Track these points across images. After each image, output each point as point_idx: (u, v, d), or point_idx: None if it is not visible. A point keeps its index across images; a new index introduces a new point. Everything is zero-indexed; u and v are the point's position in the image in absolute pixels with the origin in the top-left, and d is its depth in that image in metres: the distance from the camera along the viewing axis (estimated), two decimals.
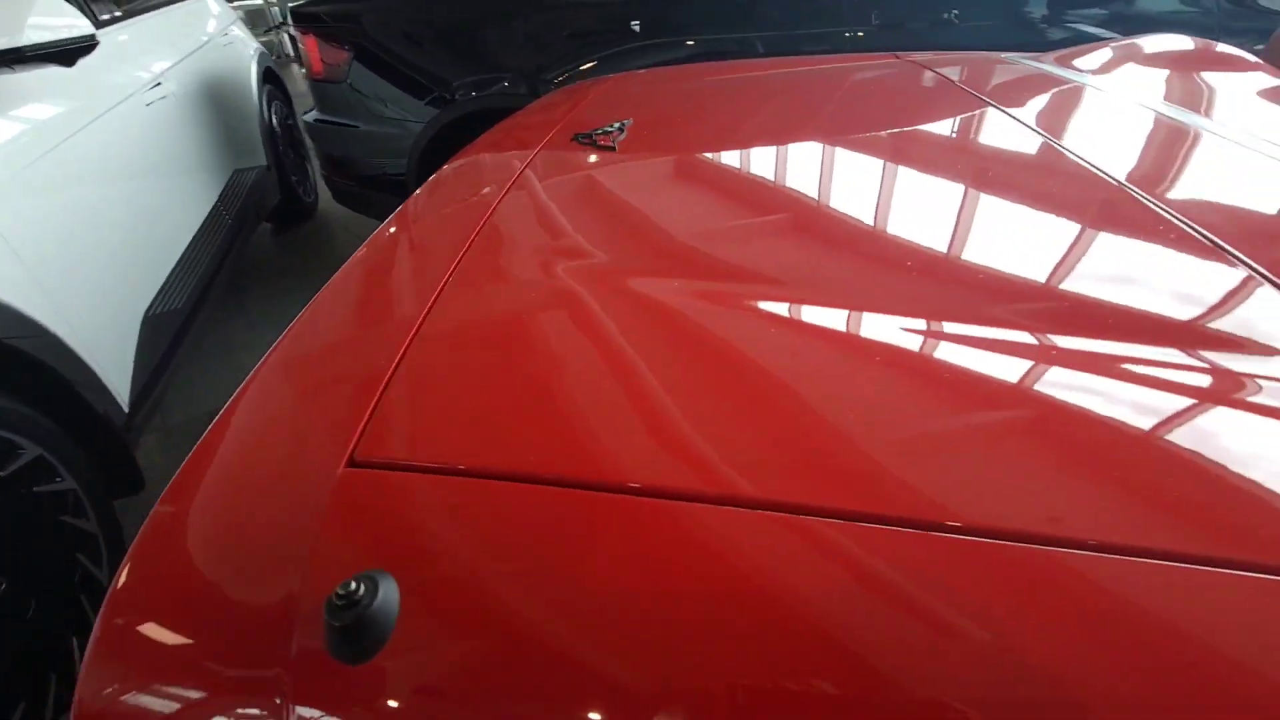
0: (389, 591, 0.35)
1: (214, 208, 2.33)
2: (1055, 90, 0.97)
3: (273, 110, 3.23)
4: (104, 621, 0.38)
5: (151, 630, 0.38)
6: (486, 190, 0.84)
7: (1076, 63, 1.20)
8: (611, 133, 1.04)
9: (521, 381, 0.51)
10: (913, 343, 0.49)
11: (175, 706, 0.35)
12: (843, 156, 0.79)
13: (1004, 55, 1.32)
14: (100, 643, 0.38)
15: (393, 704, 0.34)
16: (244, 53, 3.16)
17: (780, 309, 0.55)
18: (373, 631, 0.34)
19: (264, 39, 5.71)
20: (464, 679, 0.34)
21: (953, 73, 1.12)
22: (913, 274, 0.58)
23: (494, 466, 0.43)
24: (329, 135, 2.56)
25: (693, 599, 0.34)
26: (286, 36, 7.23)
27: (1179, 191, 0.67)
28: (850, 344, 0.51)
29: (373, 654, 0.34)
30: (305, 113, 2.62)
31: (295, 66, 6.71)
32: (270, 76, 3.37)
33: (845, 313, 0.52)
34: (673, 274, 0.62)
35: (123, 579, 0.41)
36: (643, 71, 1.53)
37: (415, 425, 0.47)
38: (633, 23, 2.11)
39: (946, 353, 0.49)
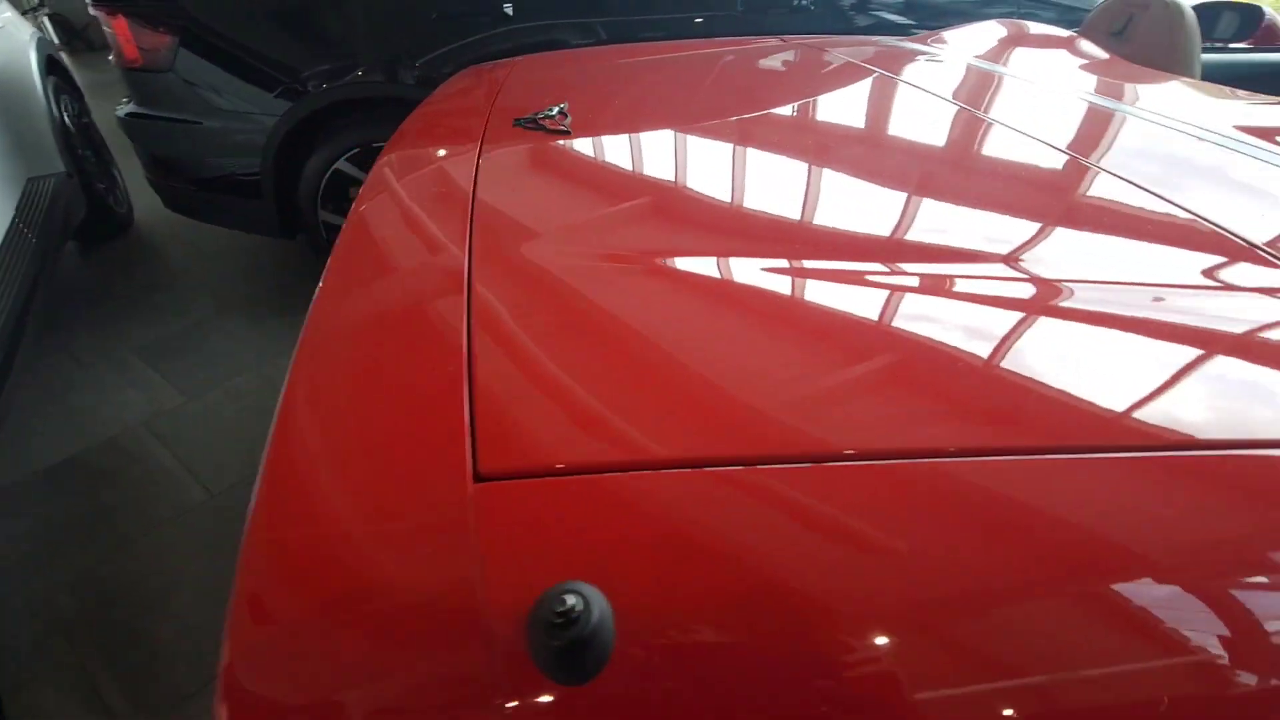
0: (601, 603, 0.33)
1: (12, 224, 1.93)
2: (937, 63, 1.20)
3: (63, 106, 2.72)
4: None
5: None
6: (454, 181, 0.78)
7: (948, 42, 1.39)
8: (554, 116, 1.01)
9: (601, 369, 0.49)
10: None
11: None
12: (761, 128, 0.92)
13: (888, 39, 1.49)
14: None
15: None
16: (18, 38, 2.62)
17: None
18: (597, 648, 0.32)
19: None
20: (694, 687, 0.33)
21: (850, 53, 1.28)
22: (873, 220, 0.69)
23: (628, 459, 0.41)
24: (155, 133, 2.20)
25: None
26: (47, 20, 6.08)
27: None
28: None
29: (596, 673, 0.32)
30: (120, 105, 2.24)
31: (64, 55, 5.68)
32: (54, 66, 2.84)
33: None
34: (712, 249, 0.63)
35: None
36: (549, 54, 1.49)
37: (524, 429, 0.44)
38: (505, 6, 2.05)
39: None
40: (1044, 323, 0.52)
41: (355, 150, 2.10)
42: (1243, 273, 0.58)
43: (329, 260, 0.68)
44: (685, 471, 0.40)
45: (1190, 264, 0.59)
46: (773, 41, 1.49)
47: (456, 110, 1.10)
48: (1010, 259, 0.60)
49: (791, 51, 1.34)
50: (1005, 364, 0.48)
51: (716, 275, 0.59)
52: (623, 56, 1.43)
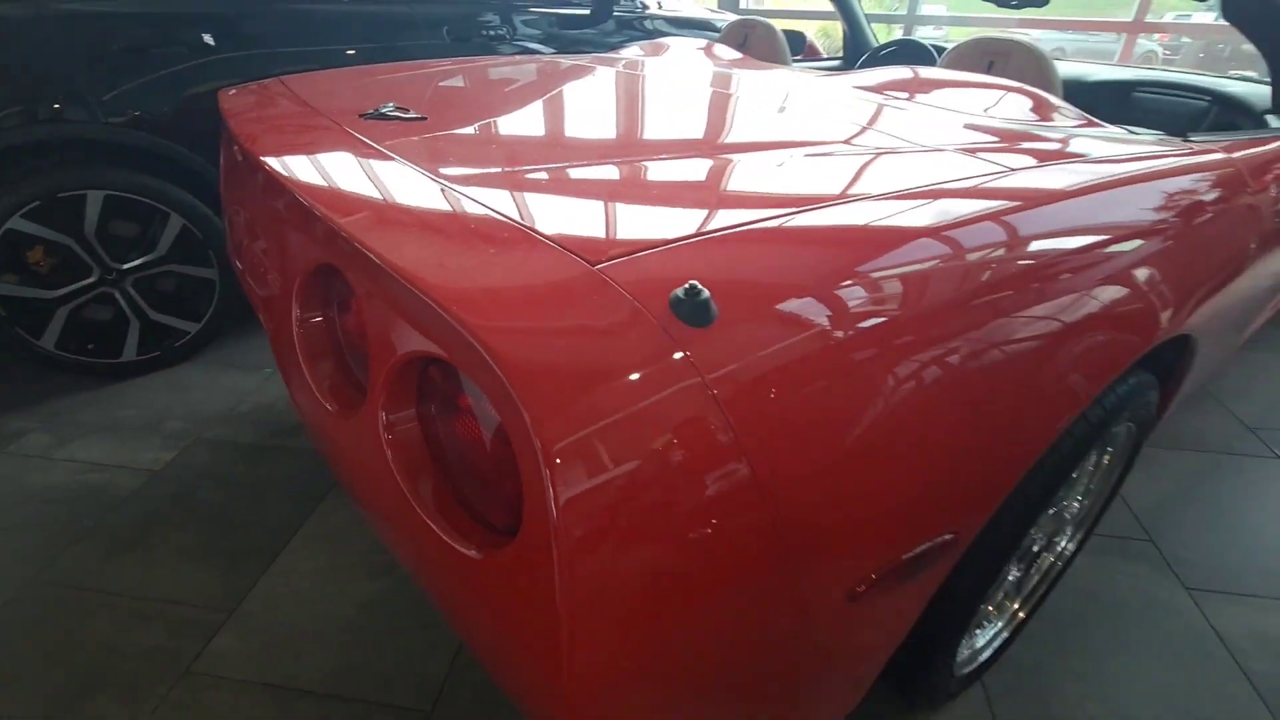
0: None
1: None
2: (589, 72, 1.49)
3: None
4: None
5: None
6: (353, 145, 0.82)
7: (636, 56, 1.81)
8: (395, 111, 1.02)
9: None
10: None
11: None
12: (533, 110, 1.14)
13: (594, 55, 1.86)
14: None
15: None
16: None
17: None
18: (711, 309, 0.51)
19: None
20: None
21: (576, 61, 1.63)
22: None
23: None
24: None
25: None
26: None
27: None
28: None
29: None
30: None
31: None
32: None
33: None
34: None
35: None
36: (317, 73, 1.44)
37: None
38: (205, 36, 1.86)
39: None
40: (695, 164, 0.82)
41: (34, 204, 1.69)
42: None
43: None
44: None
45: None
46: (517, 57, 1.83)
47: (283, 115, 1.06)
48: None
49: (536, 63, 1.64)
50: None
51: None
52: (393, 72, 1.46)
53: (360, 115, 1.00)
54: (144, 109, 1.76)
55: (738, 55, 1.85)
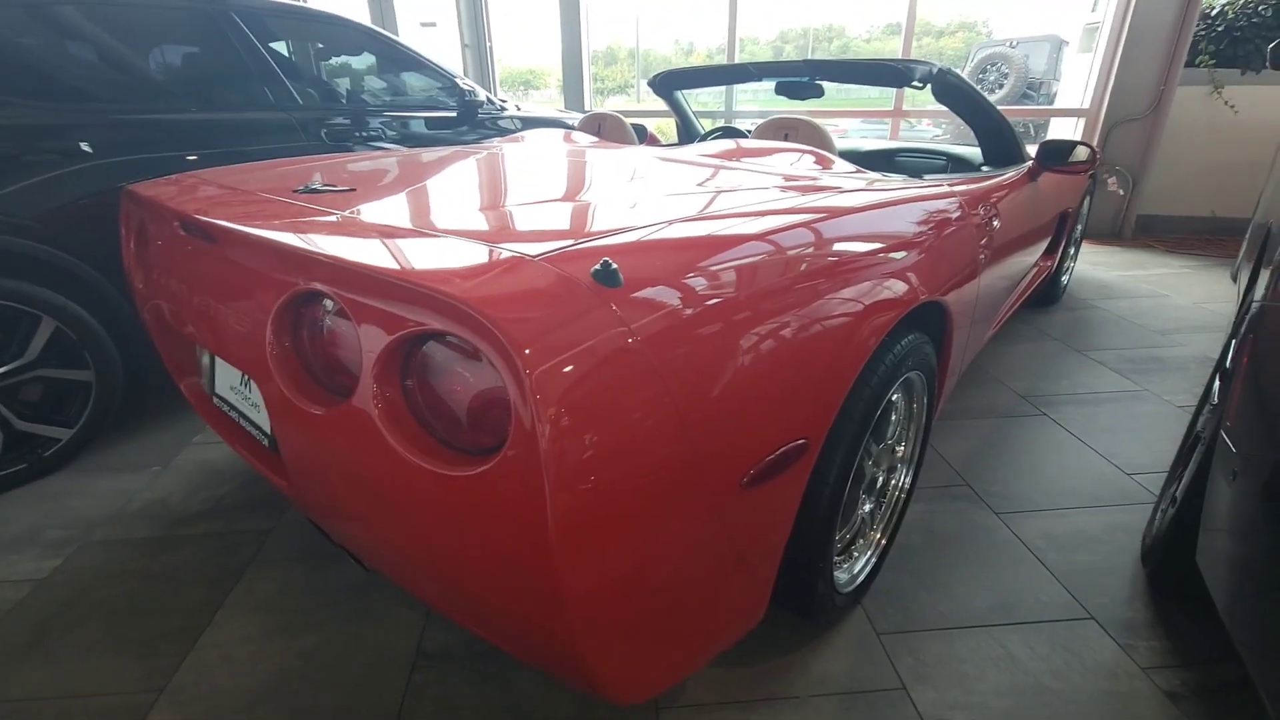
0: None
1: None
2: (482, 152, 1.81)
3: None
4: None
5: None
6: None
7: (500, 145, 2.11)
8: (322, 185, 1.24)
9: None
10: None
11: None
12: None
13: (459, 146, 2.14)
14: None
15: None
16: None
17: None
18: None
19: None
20: None
21: (455, 150, 1.91)
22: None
23: None
24: None
25: None
26: None
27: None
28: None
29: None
30: None
31: None
32: None
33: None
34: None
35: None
36: (227, 167, 1.61)
37: None
38: (81, 143, 1.89)
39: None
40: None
41: None
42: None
43: None
44: None
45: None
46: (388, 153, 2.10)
47: (222, 195, 1.23)
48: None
49: (422, 152, 1.89)
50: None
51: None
52: (296, 164, 1.67)
53: (294, 190, 1.17)
54: (18, 219, 1.76)
55: (595, 139, 2.22)
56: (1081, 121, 4.68)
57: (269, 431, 1.09)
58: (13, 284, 1.75)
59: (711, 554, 0.85)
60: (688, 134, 3.14)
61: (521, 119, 3.35)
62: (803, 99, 2.52)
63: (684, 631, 0.88)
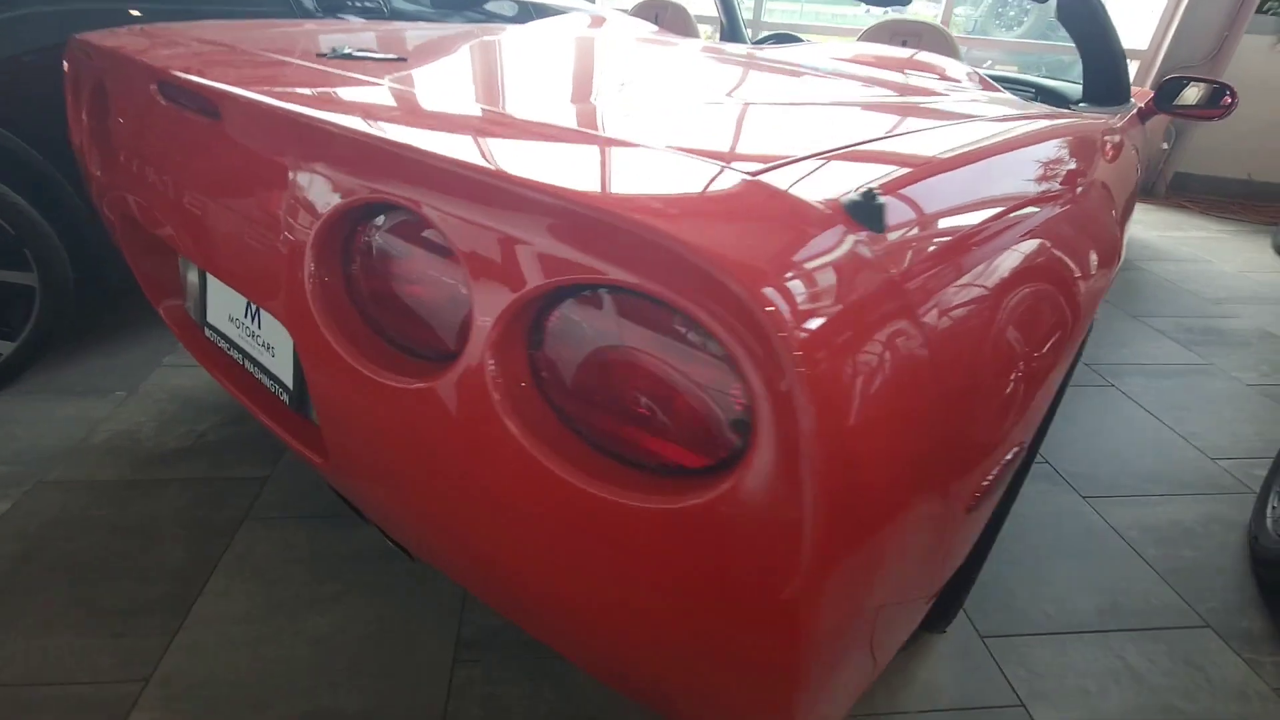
0: None
1: None
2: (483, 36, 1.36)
3: None
4: None
5: None
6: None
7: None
8: (358, 51, 0.92)
9: None
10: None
11: None
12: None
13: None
14: None
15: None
16: None
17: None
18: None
19: None
20: None
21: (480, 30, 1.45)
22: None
23: None
24: None
25: None
26: None
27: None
28: None
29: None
30: None
31: None
32: None
33: None
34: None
35: None
36: (199, 25, 1.18)
37: None
38: None
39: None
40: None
41: None
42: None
43: None
44: None
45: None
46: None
47: (218, 53, 0.88)
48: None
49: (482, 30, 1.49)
50: None
51: None
52: (295, 25, 1.32)
53: (320, 55, 0.85)
54: None
55: (655, 28, 1.83)
56: (1136, 65, 4.36)
57: (290, 386, 0.82)
58: None
59: (926, 579, 0.64)
60: (732, 39, 2.76)
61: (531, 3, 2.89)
62: (883, 5, 2.18)
63: (868, 668, 0.68)
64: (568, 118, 0.64)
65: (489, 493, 0.54)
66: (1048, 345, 0.66)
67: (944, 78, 1.23)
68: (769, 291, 0.39)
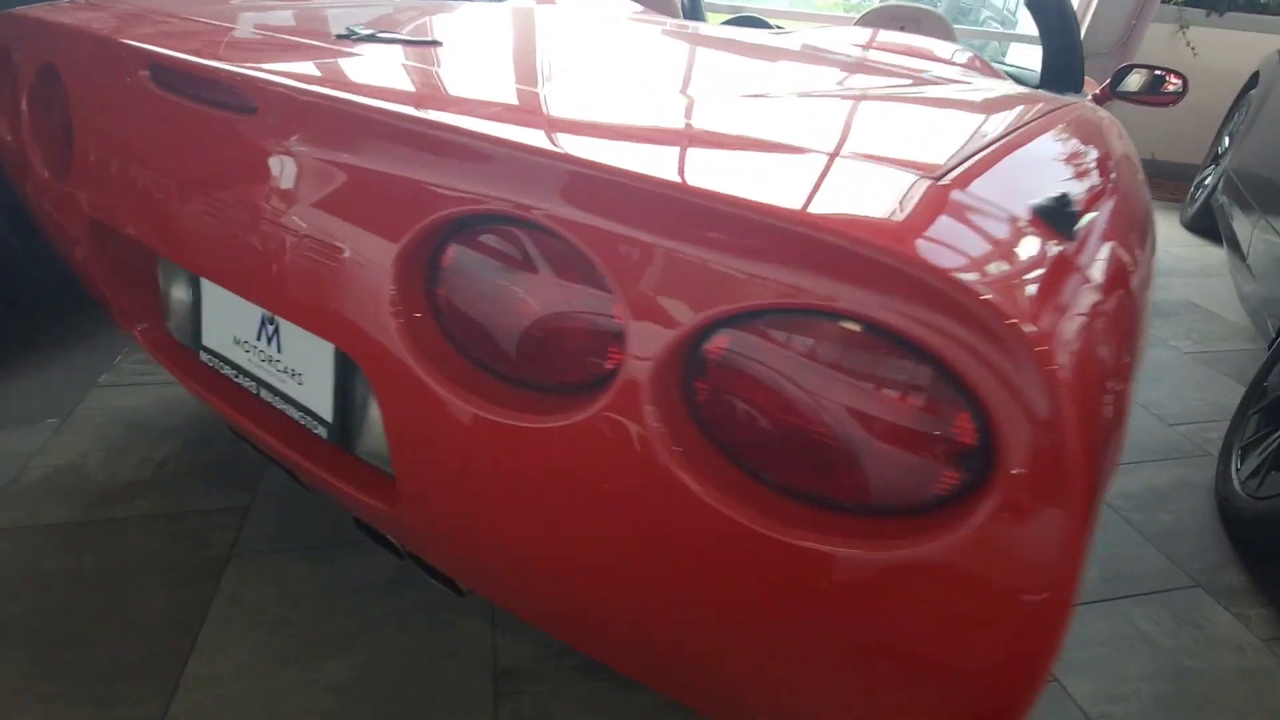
0: None
1: None
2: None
3: None
4: None
5: None
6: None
7: None
8: (380, 34, 0.82)
9: None
10: None
11: None
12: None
13: None
14: None
15: None
16: None
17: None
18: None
19: None
20: None
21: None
22: None
23: None
24: None
25: None
26: None
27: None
28: None
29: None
30: None
31: None
32: None
33: None
34: None
35: None
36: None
37: None
38: None
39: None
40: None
41: None
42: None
43: None
44: None
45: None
46: None
47: (197, 31, 0.77)
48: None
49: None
50: None
51: None
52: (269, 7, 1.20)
53: (338, 36, 0.73)
54: None
55: (640, 8, 1.75)
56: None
57: (328, 419, 0.71)
58: None
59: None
60: (693, 17, 2.70)
61: None
62: None
63: None
64: (711, 119, 0.58)
65: (647, 542, 0.48)
66: (1145, 319, 0.67)
67: (973, 68, 1.23)
68: (1011, 308, 0.36)
